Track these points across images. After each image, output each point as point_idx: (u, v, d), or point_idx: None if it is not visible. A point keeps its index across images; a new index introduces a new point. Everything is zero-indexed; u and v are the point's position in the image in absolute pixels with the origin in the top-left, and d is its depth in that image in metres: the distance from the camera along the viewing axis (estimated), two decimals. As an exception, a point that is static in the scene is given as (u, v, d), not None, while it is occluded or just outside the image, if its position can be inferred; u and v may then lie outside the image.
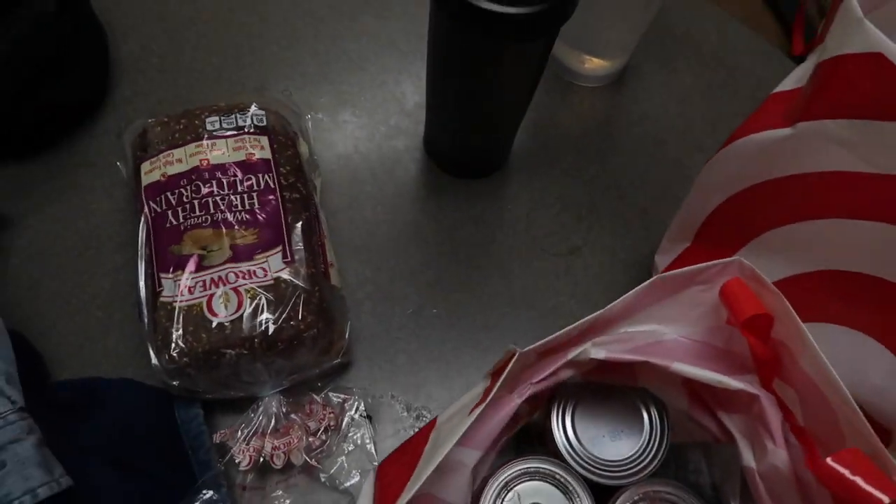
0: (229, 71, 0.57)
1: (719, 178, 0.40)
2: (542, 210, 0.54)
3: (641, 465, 0.37)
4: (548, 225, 0.54)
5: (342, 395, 0.45)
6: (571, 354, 0.32)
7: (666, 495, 0.36)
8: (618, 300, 0.32)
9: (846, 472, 0.26)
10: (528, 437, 0.39)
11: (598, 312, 0.32)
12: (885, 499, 0.25)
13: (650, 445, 0.37)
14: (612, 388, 0.38)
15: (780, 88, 0.37)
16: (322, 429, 0.43)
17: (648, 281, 0.32)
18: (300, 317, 0.41)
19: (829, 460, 0.26)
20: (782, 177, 0.36)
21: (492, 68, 0.42)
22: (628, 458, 0.37)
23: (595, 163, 0.56)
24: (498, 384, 0.30)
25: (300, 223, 0.43)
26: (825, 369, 0.28)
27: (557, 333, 0.31)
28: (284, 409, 0.43)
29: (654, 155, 0.57)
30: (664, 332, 0.36)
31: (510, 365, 0.30)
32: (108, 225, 0.49)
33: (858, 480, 0.26)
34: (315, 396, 0.45)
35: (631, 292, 0.32)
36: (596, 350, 0.32)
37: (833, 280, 0.36)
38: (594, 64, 0.58)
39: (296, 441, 0.43)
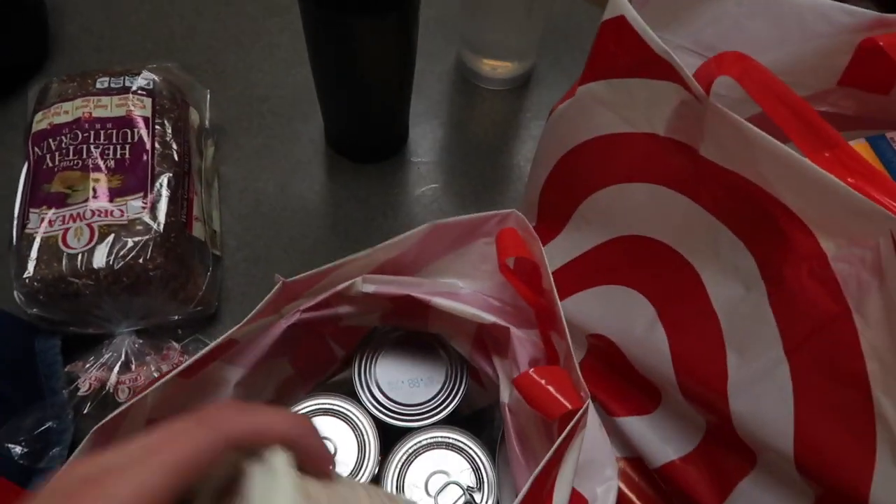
0: (162, 53, 0.62)
1: (542, 151, 0.42)
2: (425, 199, 0.57)
3: (430, 410, 0.38)
4: (427, 210, 0.56)
5: (201, 345, 0.48)
6: (341, 286, 0.34)
7: (452, 441, 0.38)
8: (394, 238, 0.34)
9: (542, 381, 0.27)
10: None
11: (371, 249, 0.34)
12: (568, 405, 0.26)
13: (442, 393, 0.39)
14: (419, 340, 0.40)
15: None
16: (175, 373, 0.46)
17: (426, 224, 0.34)
18: (148, 257, 0.44)
19: (530, 371, 0.28)
20: (577, 144, 0.38)
21: (350, 45, 0.46)
22: (419, 403, 0.38)
23: (485, 159, 0.59)
24: (257, 308, 0.32)
25: (166, 175, 0.47)
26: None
27: (326, 266, 0.33)
28: (137, 348, 0.46)
29: (545, 155, 0.59)
30: (461, 286, 0.38)
31: (272, 291, 0.32)
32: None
33: (551, 389, 0.27)
34: (174, 343, 0.48)
35: (409, 233, 0.34)
36: (366, 285, 0.34)
37: (623, 245, 0.37)
38: (497, 67, 0.61)
39: (142, 379, 0.46)
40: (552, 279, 0.32)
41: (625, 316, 0.36)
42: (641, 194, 0.35)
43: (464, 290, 0.38)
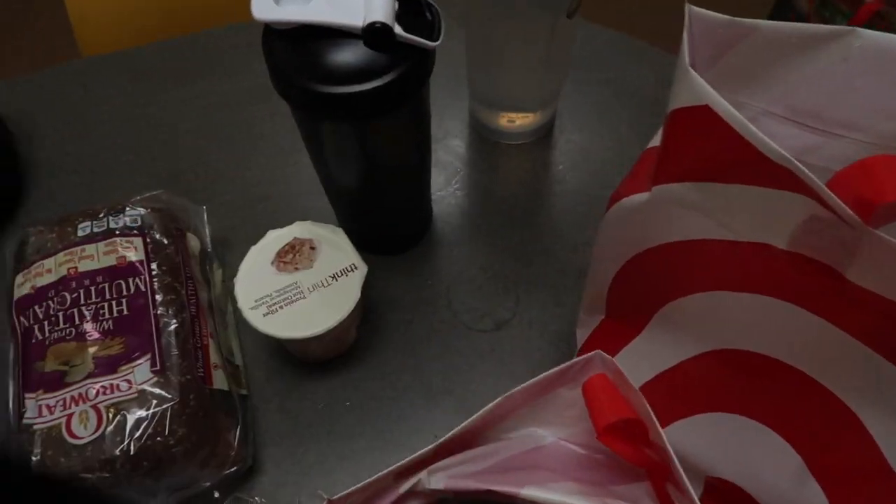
0: (142, 166, 0.56)
1: (607, 245, 0.35)
2: (465, 284, 0.50)
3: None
4: (470, 299, 0.49)
5: (242, 506, 0.42)
6: (404, 488, 0.27)
7: None
8: (459, 427, 0.28)
9: None
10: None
11: (432, 446, 0.28)
12: None
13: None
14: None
15: (653, 143, 0.33)
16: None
17: (494, 402, 0.28)
18: (167, 431, 0.38)
19: None
20: (655, 245, 0.31)
21: (359, 149, 0.40)
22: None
23: (523, 227, 0.52)
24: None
25: (173, 326, 0.41)
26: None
27: (377, 475, 0.27)
28: (173, 529, 0.40)
29: (586, 212, 0.53)
30: (543, 434, 0.32)
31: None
32: None
33: None
34: (212, 511, 0.42)
35: (475, 416, 0.28)
36: (434, 479, 0.27)
37: (729, 360, 0.31)
38: (517, 121, 0.54)
39: (181, 564, 0.40)
40: (661, 430, 0.26)
41: (758, 461, 0.29)
42: (752, 306, 0.28)
43: (548, 440, 0.31)
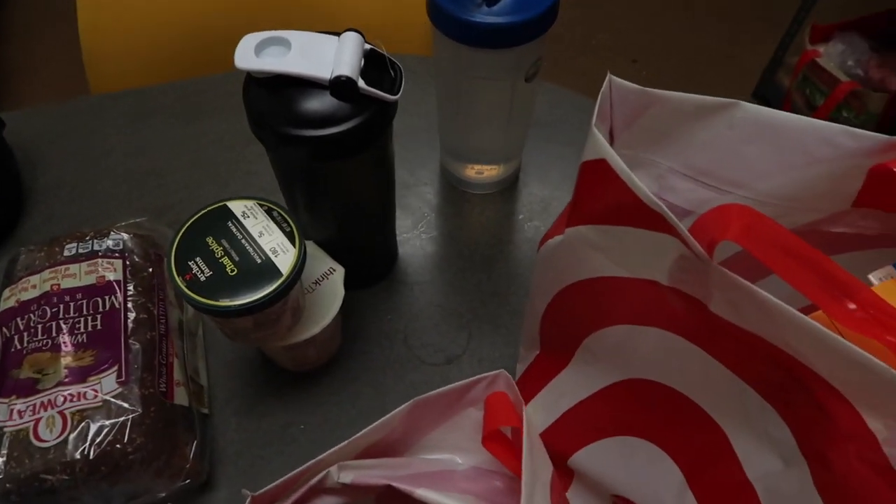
0: (135, 196, 0.60)
1: (537, 283, 0.39)
2: (423, 321, 0.53)
3: None
4: (426, 335, 0.53)
5: (194, 520, 0.44)
6: (314, 480, 0.30)
7: None
8: (373, 424, 0.31)
9: None
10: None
11: (347, 441, 0.31)
12: None
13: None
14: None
15: (578, 192, 0.37)
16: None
17: (406, 404, 0.31)
18: (126, 440, 0.40)
19: None
20: (573, 282, 0.34)
21: (326, 186, 0.44)
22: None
23: (481, 270, 0.56)
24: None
25: (141, 343, 0.44)
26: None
27: (299, 469, 0.30)
28: (124, 535, 0.42)
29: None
30: (458, 462, 0.35)
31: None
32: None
33: None
34: (165, 522, 0.44)
35: (388, 416, 0.31)
36: (343, 474, 0.30)
37: (635, 389, 0.34)
38: (484, 172, 0.59)
39: (130, 570, 0.42)
40: (531, 440, 0.28)
41: (651, 479, 0.32)
42: (652, 338, 0.31)
43: (461, 467, 0.34)
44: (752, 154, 0.30)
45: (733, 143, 0.30)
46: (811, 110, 1.50)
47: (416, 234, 0.58)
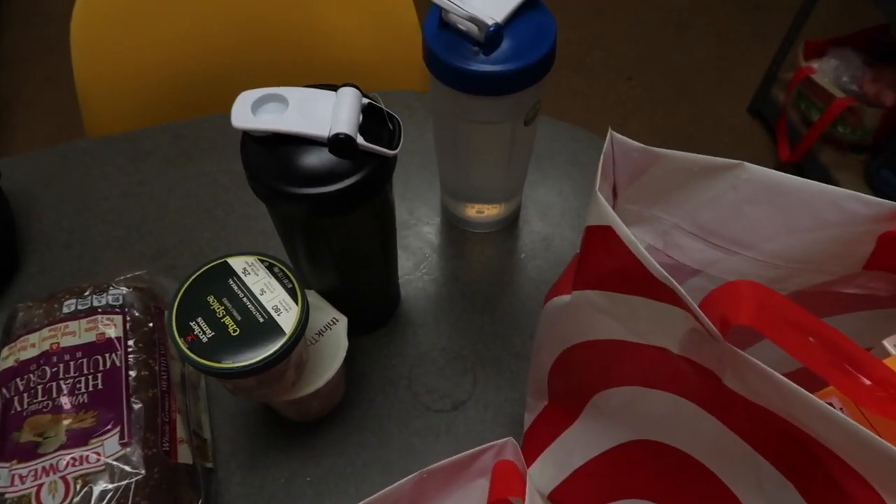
0: (132, 241, 0.60)
1: (543, 338, 0.39)
2: (427, 365, 0.53)
3: None
4: (431, 381, 0.52)
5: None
6: None
7: None
8: (378, 493, 0.30)
9: None
10: None
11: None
12: None
13: None
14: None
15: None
16: None
17: (412, 475, 0.30)
18: (130, 503, 0.40)
19: None
20: (581, 342, 0.34)
21: (327, 240, 0.43)
22: None
23: (484, 312, 0.55)
24: None
25: (143, 402, 0.43)
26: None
27: None
28: None
29: (541, 297, 0.56)
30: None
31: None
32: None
33: None
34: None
35: (393, 486, 0.30)
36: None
37: (645, 450, 0.33)
38: (485, 211, 0.58)
39: None
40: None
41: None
42: (663, 402, 0.31)
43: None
44: (758, 215, 0.30)
45: (738, 203, 0.30)
46: (807, 126, 1.51)
47: (417, 275, 0.57)
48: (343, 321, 0.47)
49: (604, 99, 1.79)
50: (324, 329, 0.47)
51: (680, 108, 1.77)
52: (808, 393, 0.22)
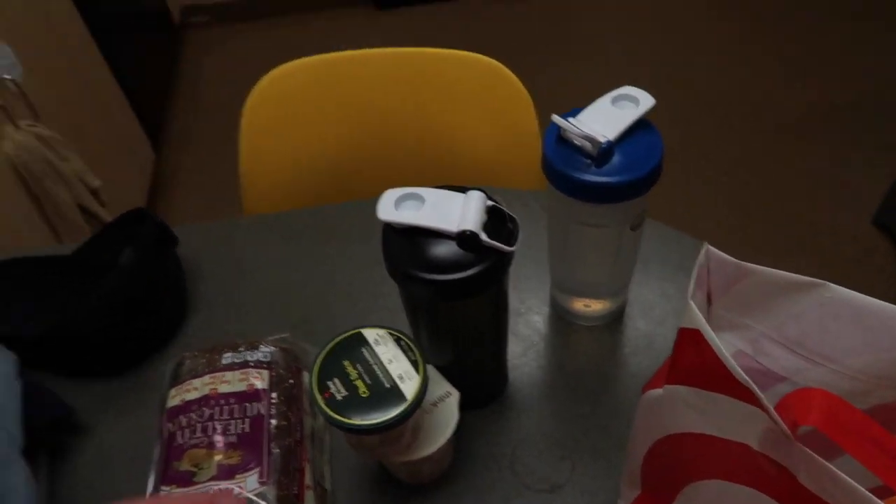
0: (278, 307, 0.69)
1: (638, 428, 0.42)
2: (529, 447, 0.57)
3: None
4: (532, 462, 0.56)
5: None
6: None
7: None
8: None
9: None
10: None
11: None
12: None
13: None
14: None
15: (678, 348, 0.40)
16: None
17: None
18: (262, 535, 0.46)
19: None
20: (672, 434, 0.37)
21: (452, 322, 0.50)
22: None
23: (587, 402, 0.59)
24: None
25: (280, 448, 0.50)
26: None
27: None
28: None
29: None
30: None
31: None
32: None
33: None
34: None
35: None
36: None
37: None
38: (591, 306, 0.63)
39: None
40: None
41: None
42: (746, 497, 0.34)
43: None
44: (841, 332, 0.33)
45: (823, 319, 0.33)
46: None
47: (525, 360, 0.62)
48: (456, 395, 0.52)
49: (711, 200, 1.79)
50: (438, 400, 0.52)
51: (795, 214, 1.73)
52: (875, 498, 0.24)
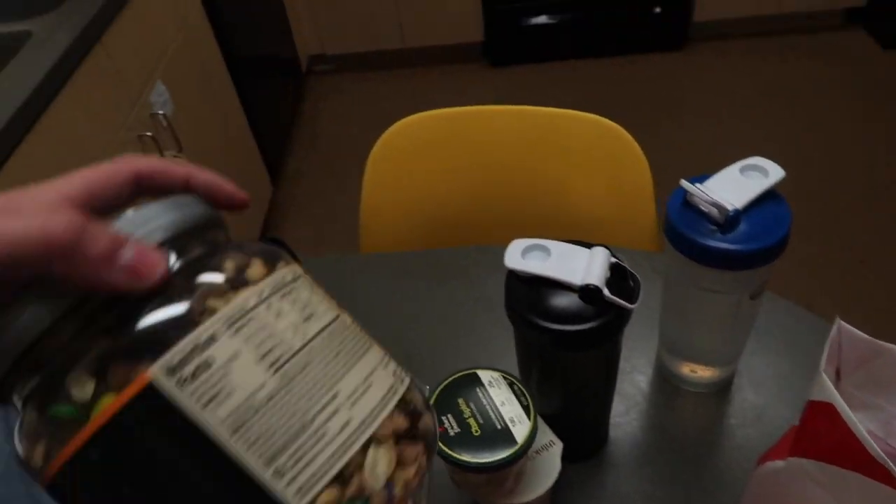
0: (387, 343, 0.71)
1: (751, 498, 0.41)
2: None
3: None
4: (628, 521, 0.55)
5: None
6: None
7: None
8: None
9: None
10: None
11: None
12: None
13: None
14: None
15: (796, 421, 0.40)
16: None
17: None
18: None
19: None
20: (790, 507, 0.37)
21: (556, 368, 0.51)
22: None
23: (686, 468, 0.58)
24: None
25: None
26: None
27: None
28: None
29: (748, 470, 0.57)
30: None
31: None
32: None
33: None
34: None
35: None
36: None
37: None
38: (698, 371, 0.62)
39: None
40: None
41: None
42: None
43: None
44: None
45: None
46: None
47: (627, 419, 0.62)
48: (559, 445, 0.53)
49: (833, 276, 1.71)
50: (542, 448, 0.53)
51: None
52: None
